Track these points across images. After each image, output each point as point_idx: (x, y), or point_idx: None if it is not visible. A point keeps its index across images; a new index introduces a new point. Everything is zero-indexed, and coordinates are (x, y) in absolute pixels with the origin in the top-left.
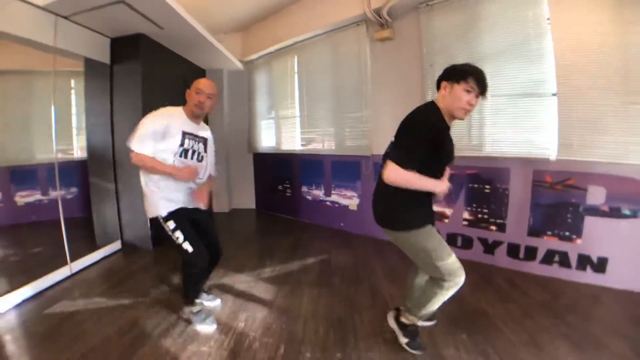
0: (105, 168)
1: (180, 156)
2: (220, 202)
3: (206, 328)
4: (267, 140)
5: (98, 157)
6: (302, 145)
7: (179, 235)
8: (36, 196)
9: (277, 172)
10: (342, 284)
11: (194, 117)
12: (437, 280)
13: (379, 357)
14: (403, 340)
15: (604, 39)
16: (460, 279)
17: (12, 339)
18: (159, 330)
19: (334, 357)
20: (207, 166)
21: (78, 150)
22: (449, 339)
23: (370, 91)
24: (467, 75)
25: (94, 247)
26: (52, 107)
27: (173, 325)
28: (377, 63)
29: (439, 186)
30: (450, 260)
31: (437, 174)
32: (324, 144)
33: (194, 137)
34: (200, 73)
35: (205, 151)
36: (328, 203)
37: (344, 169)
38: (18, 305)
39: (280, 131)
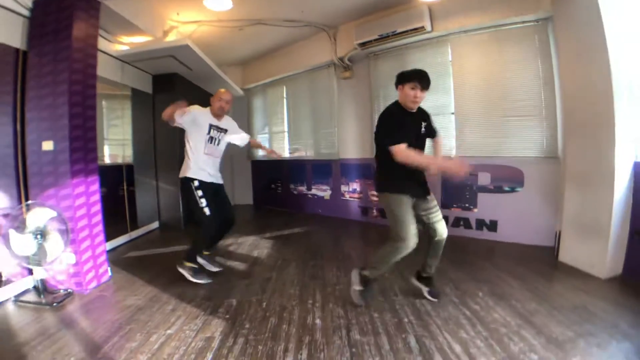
0: (148, 169)
1: (208, 142)
2: None
3: (203, 279)
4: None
5: (142, 161)
6: (290, 153)
7: (203, 201)
8: None
9: (270, 174)
10: (317, 239)
11: (216, 116)
12: (392, 240)
13: (335, 265)
14: (357, 287)
15: (489, 74)
16: (408, 243)
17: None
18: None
19: (309, 264)
20: (224, 146)
21: (107, 157)
22: None
23: (337, 114)
24: (410, 79)
25: (138, 226)
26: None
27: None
28: (341, 94)
29: (432, 162)
30: (407, 228)
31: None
32: (306, 152)
33: (218, 128)
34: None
35: (224, 137)
36: (309, 195)
37: (320, 169)
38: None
39: (273, 143)
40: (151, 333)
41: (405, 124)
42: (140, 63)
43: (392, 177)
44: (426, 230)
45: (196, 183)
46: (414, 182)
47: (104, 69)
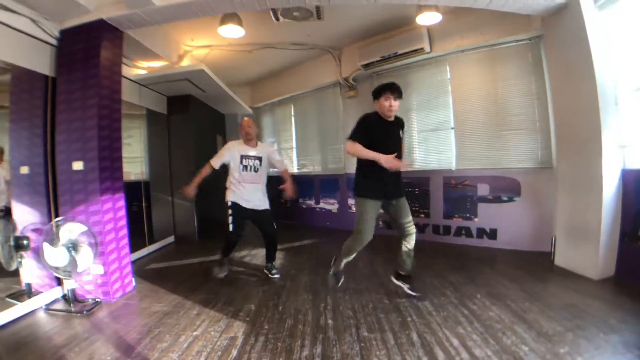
0: (163, 185)
1: (242, 170)
2: None
3: (221, 274)
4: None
5: (158, 177)
6: (298, 168)
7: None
8: None
9: (280, 189)
10: (326, 250)
11: (246, 142)
12: (354, 232)
13: (344, 273)
14: (331, 271)
15: (486, 91)
16: (364, 235)
17: (137, 279)
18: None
19: (320, 272)
20: (265, 172)
21: None
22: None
23: (343, 130)
24: (383, 91)
25: (154, 240)
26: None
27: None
28: (347, 112)
29: (382, 158)
30: (365, 224)
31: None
32: (313, 167)
33: (248, 157)
34: (221, 116)
35: (260, 165)
36: (318, 209)
37: (328, 184)
38: None
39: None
40: (179, 334)
41: (374, 130)
42: (156, 86)
43: (362, 183)
44: (400, 239)
45: (229, 204)
46: (382, 185)
47: (124, 92)
